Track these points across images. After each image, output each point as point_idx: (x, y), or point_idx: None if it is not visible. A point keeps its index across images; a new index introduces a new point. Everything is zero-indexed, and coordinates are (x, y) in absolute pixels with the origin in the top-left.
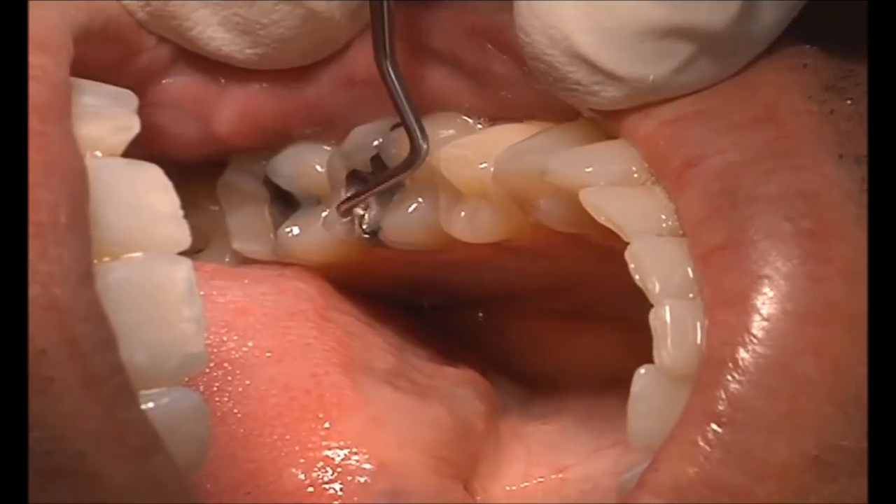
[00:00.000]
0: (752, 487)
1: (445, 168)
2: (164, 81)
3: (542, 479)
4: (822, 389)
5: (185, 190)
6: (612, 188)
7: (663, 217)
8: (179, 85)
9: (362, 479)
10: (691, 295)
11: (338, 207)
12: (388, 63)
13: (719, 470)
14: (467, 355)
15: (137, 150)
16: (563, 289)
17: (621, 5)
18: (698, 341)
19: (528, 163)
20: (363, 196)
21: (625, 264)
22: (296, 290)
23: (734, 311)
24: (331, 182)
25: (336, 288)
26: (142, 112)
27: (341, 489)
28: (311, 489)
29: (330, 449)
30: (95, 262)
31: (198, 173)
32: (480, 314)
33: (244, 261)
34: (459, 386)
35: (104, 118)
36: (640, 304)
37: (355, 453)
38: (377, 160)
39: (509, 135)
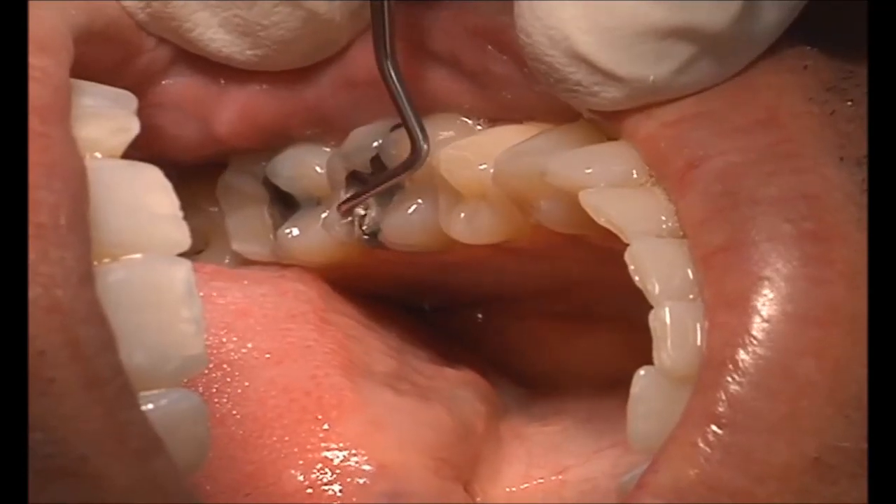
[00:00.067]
0: (753, 489)
1: (445, 169)
2: (163, 83)
3: (541, 481)
4: (824, 391)
5: (185, 191)
6: (612, 189)
7: (663, 218)
8: (179, 86)
9: (362, 481)
10: (691, 296)
11: (338, 208)
12: (389, 63)
13: (719, 471)
14: (467, 356)
15: (137, 151)
16: (564, 290)
17: (622, 6)
18: (698, 343)
19: (528, 164)
20: (364, 196)
21: (625, 265)
22: (296, 291)
23: (735, 312)
24: (331, 183)
25: (336, 289)
26: (141, 113)
27: (341, 490)
28: (310, 490)
29: (329, 450)
30: (95, 263)
31: (197, 174)
32: (480, 315)
33: (244, 262)
34: (460, 387)
35: (104, 119)
36: (640, 305)
37: (355, 455)
38: (377, 161)
39: (509, 136)
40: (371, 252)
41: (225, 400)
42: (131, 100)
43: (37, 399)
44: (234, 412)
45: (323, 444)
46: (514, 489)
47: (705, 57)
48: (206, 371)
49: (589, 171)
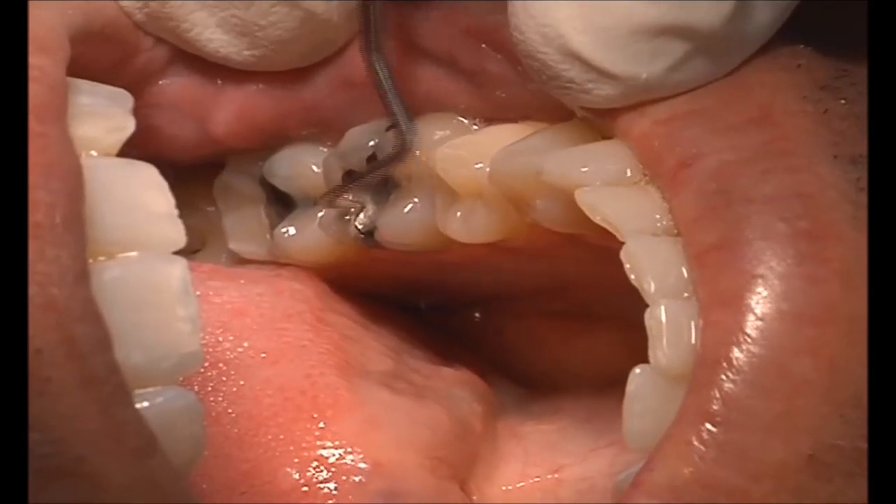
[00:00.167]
0: (748, 487)
1: (441, 168)
2: (161, 82)
3: (538, 479)
4: (819, 390)
5: (182, 191)
6: (608, 188)
7: (658, 217)
8: (176, 86)
9: (357, 479)
10: (686, 294)
11: (321, 198)
12: (376, 56)
13: (714, 470)
14: (465, 356)
15: (134, 150)
16: (560, 289)
17: (615, 4)
18: (693, 341)
19: (524, 163)
20: (349, 186)
21: (621, 264)
22: (292, 291)
23: (729, 311)
24: (327, 183)
25: (333, 288)
26: (139, 113)
27: (336, 489)
28: (305, 489)
29: (325, 449)
30: (91, 261)
31: (195, 174)
32: (478, 314)
33: (240, 261)
34: (457, 386)
35: (100, 118)
36: (637, 303)
37: (350, 453)
38: (373, 160)
39: (505, 135)
40: (367, 251)
41: (220, 399)
42: (127, 98)
43: (34, 399)
44: (230, 411)
45: (318, 443)
46: (510, 488)
47: (699, 55)
48: (202, 370)
49: (584, 169)
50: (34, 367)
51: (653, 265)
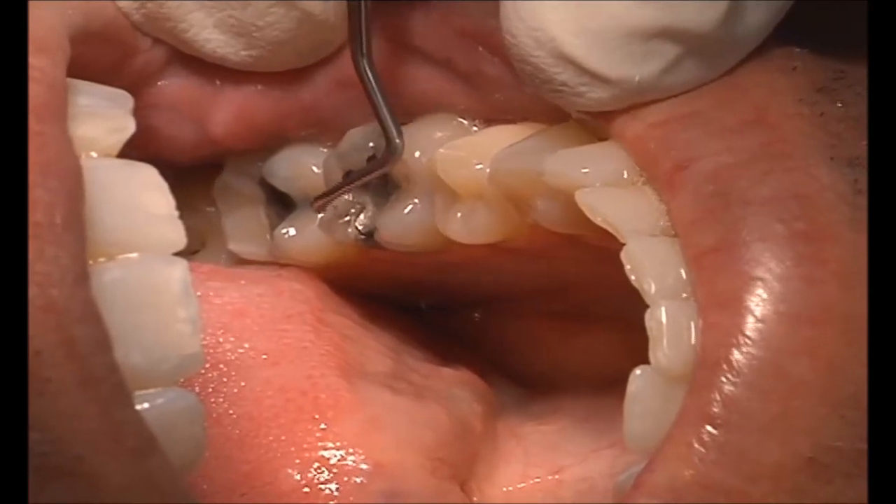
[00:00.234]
0: (747, 488)
1: (441, 169)
2: (159, 83)
3: (538, 480)
4: (817, 391)
5: (182, 191)
6: (608, 189)
7: (657, 217)
8: (175, 87)
9: (359, 480)
10: (685, 295)
11: (313, 203)
12: (365, 61)
13: (714, 471)
14: (465, 356)
15: (134, 151)
16: (560, 289)
17: (607, 6)
18: (693, 342)
19: (524, 164)
20: (339, 192)
21: (621, 265)
22: (292, 291)
23: (728, 312)
24: (327, 183)
25: (333, 289)
26: (138, 114)
27: (337, 489)
28: (307, 490)
29: (326, 450)
30: (91, 262)
31: (194, 175)
32: (478, 315)
33: (240, 262)
34: (457, 387)
35: (100, 119)
36: (636, 304)
37: (352, 454)
38: (372, 160)
39: (505, 136)
40: (367, 252)
41: (221, 400)
42: (127, 99)
43: (33, 399)
44: (231, 412)
45: (320, 444)
46: (510, 488)
47: (692, 57)
48: (203, 371)
49: (585, 170)
50: (34, 367)
51: (653, 266)
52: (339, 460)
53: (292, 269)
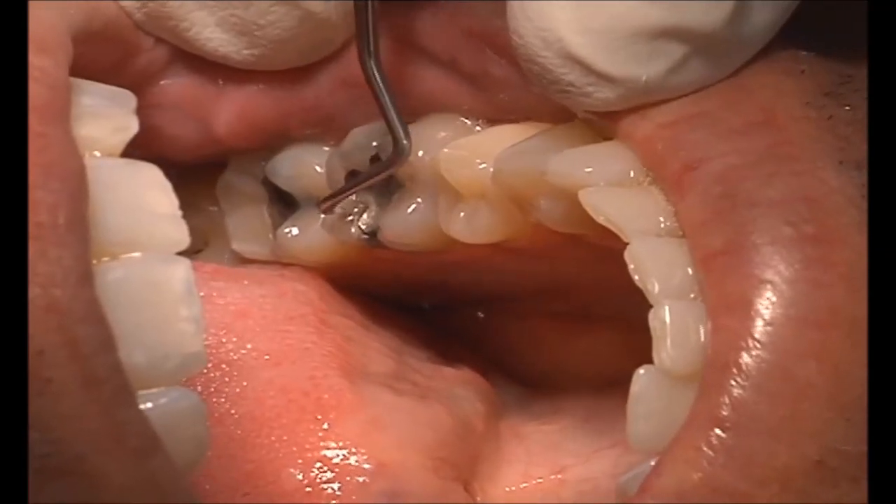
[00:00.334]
0: (754, 492)
1: (445, 169)
2: (162, 83)
3: (540, 480)
4: (824, 394)
5: (185, 191)
6: (612, 188)
7: (662, 218)
8: (178, 86)
9: (361, 480)
10: (692, 295)
11: (319, 205)
12: (372, 62)
13: (722, 474)
14: (467, 356)
15: (137, 151)
16: (563, 289)
17: (614, 6)
18: (699, 342)
19: (528, 163)
20: (346, 194)
21: (624, 265)
22: (295, 292)
23: (736, 315)
24: (330, 182)
25: (336, 288)
26: (140, 113)
27: (339, 489)
28: (309, 489)
29: (328, 449)
30: (94, 262)
31: (197, 174)
32: (480, 314)
33: (243, 261)
34: (459, 387)
35: (103, 118)
36: (639, 304)
37: (354, 454)
38: (376, 160)
39: (508, 135)
40: (370, 251)
41: (223, 400)
42: (130, 98)
43: (34, 399)
44: (233, 412)
45: (322, 444)
46: (513, 488)
47: (698, 57)
48: (205, 371)
49: (588, 170)
50: (36, 367)
51: (657, 266)
52: (341, 460)
53: (295, 269)
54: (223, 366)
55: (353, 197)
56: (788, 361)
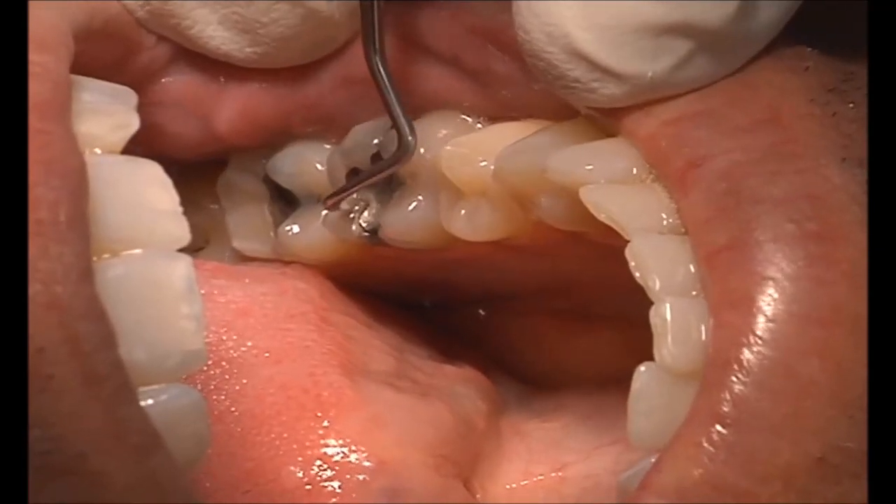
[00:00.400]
0: (756, 489)
1: (446, 166)
2: (163, 80)
3: (542, 477)
4: (827, 392)
5: (186, 188)
6: (613, 186)
7: (664, 215)
8: (179, 84)
9: (361, 477)
10: (694, 293)
11: (325, 201)
12: (378, 59)
13: (723, 471)
14: (468, 353)
15: (138, 148)
16: (564, 287)
17: (620, 3)
18: (701, 339)
19: (529, 160)
20: (351, 190)
21: (625, 263)
22: (296, 290)
23: (739, 312)
24: (331, 180)
25: (336, 286)
26: (142, 111)
27: (340, 487)
28: (309, 487)
29: (328, 447)
30: (95, 259)
31: (198, 172)
32: (481, 312)
33: (244, 259)
34: (460, 384)
35: (103, 115)
36: (640, 302)
37: (354, 451)
38: (377, 158)
39: (509, 133)
40: (371, 249)
41: (223, 397)
42: (131, 96)
43: (35, 396)
44: (233, 409)
45: (322, 441)
46: (514, 486)
47: (703, 53)
48: (205, 368)
49: (589, 167)
50: (36, 364)
51: (658, 263)
52: (341, 458)
53: (296, 266)
54: (223, 363)
55: (355, 194)
56: (791, 358)
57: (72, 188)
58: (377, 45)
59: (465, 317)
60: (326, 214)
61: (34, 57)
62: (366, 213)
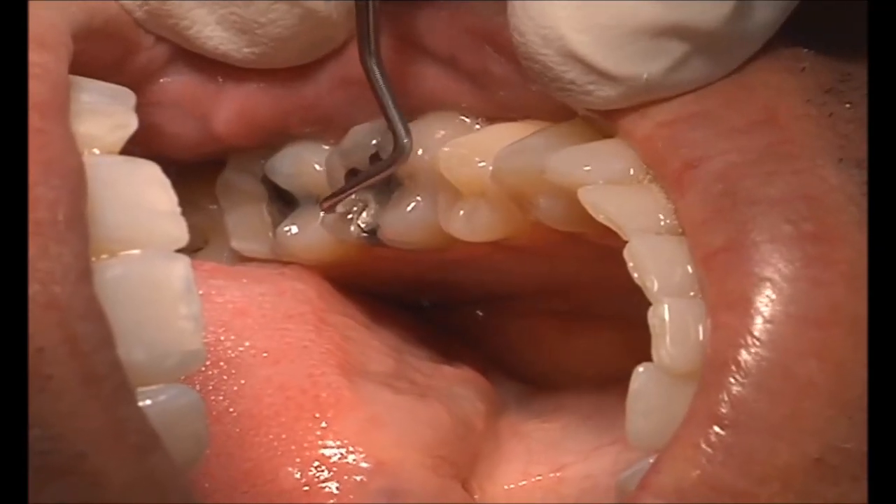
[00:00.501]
0: (754, 490)
1: (444, 167)
2: (162, 80)
3: (540, 478)
4: (825, 392)
5: (184, 189)
6: (611, 186)
7: (661, 216)
8: (178, 84)
9: (359, 478)
10: (692, 293)
11: (321, 204)
12: (373, 60)
13: (721, 472)
14: (467, 354)
15: (136, 149)
16: (563, 288)
17: (615, 4)
18: (699, 339)
19: (527, 161)
20: (347, 193)
21: (623, 263)
22: (294, 291)
23: (736, 313)
24: (329, 181)
25: (335, 287)
26: (140, 111)
27: (338, 488)
28: (307, 488)
29: (326, 448)
30: (93, 259)
31: (197, 172)
32: (480, 313)
33: (242, 259)
34: (459, 385)
35: (102, 115)
36: (639, 303)
37: (352, 452)
38: (376, 159)
39: (507, 134)
40: (370, 250)
41: (221, 398)
42: (129, 96)
43: (34, 396)
44: (231, 410)
45: (320, 442)
46: (512, 486)
47: (699, 55)
48: (203, 369)
49: (587, 168)
50: (35, 365)
51: (656, 264)
52: (339, 458)
53: (295, 267)
54: (221, 364)
55: (353, 195)
56: (788, 360)
57: (71, 188)
58: (372, 47)
59: (463, 317)
60: (325, 215)
61: (33, 57)
62: (364, 214)
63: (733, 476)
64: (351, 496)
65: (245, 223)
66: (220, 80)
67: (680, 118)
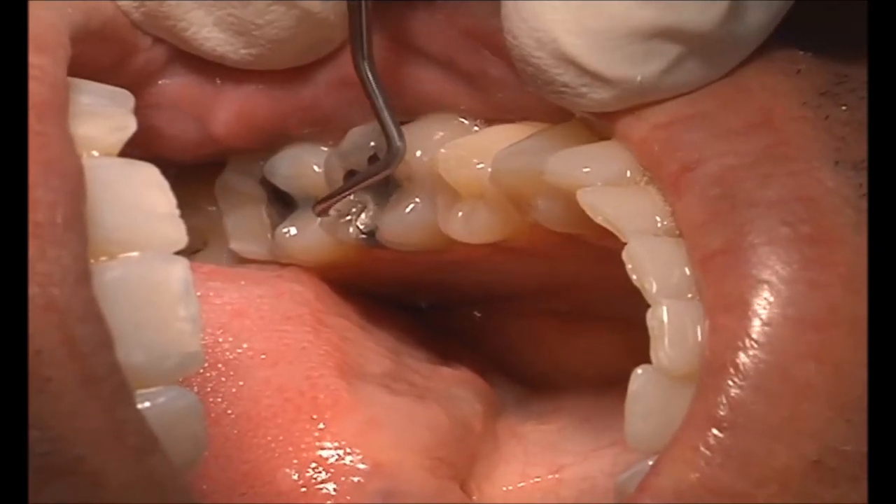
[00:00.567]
0: (753, 492)
1: (443, 168)
2: (160, 82)
3: (538, 479)
4: (823, 394)
5: (183, 190)
6: (609, 188)
7: (659, 218)
8: (176, 86)
9: (356, 480)
10: (690, 295)
11: (314, 207)
12: (365, 63)
13: (720, 475)
14: (465, 355)
15: (135, 150)
16: (561, 289)
17: (608, 7)
18: (697, 341)
19: (525, 163)
20: (340, 196)
21: (622, 265)
22: (292, 292)
23: (734, 315)
24: (328, 182)
25: (333, 288)
26: (139, 113)
27: (335, 489)
28: (304, 489)
29: (324, 449)
30: (92, 261)
31: (195, 174)
32: (478, 314)
33: (241, 261)
34: (457, 386)
35: (101, 117)
36: (637, 304)
37: (350, 454)
38: (374, 160)
39: (506, 135)
40: (369, 251)
41: (219, 399)
42: (128, 98)
43: (34, 397)
44: (229, 411)
45: (318, 444)
46: (510, 488)
47: (693, 57)
48: (201, 371)
49: (586, 169)
50: (34, 366)
51: (655, 266)
52: (336, 460)
53: (293, 269)
54: (219, 365)
55: (351, 197)
56: (786, 362)
57: (69, 190)
58: (364, 50)
59: (462, 318)
60: (323, 217)
61: (32, 59)
62: (363, 216)
63: (732, 478)
64: (348, 497)
65: (244, 225)
66: (219, 81)
67: (676, 120)
